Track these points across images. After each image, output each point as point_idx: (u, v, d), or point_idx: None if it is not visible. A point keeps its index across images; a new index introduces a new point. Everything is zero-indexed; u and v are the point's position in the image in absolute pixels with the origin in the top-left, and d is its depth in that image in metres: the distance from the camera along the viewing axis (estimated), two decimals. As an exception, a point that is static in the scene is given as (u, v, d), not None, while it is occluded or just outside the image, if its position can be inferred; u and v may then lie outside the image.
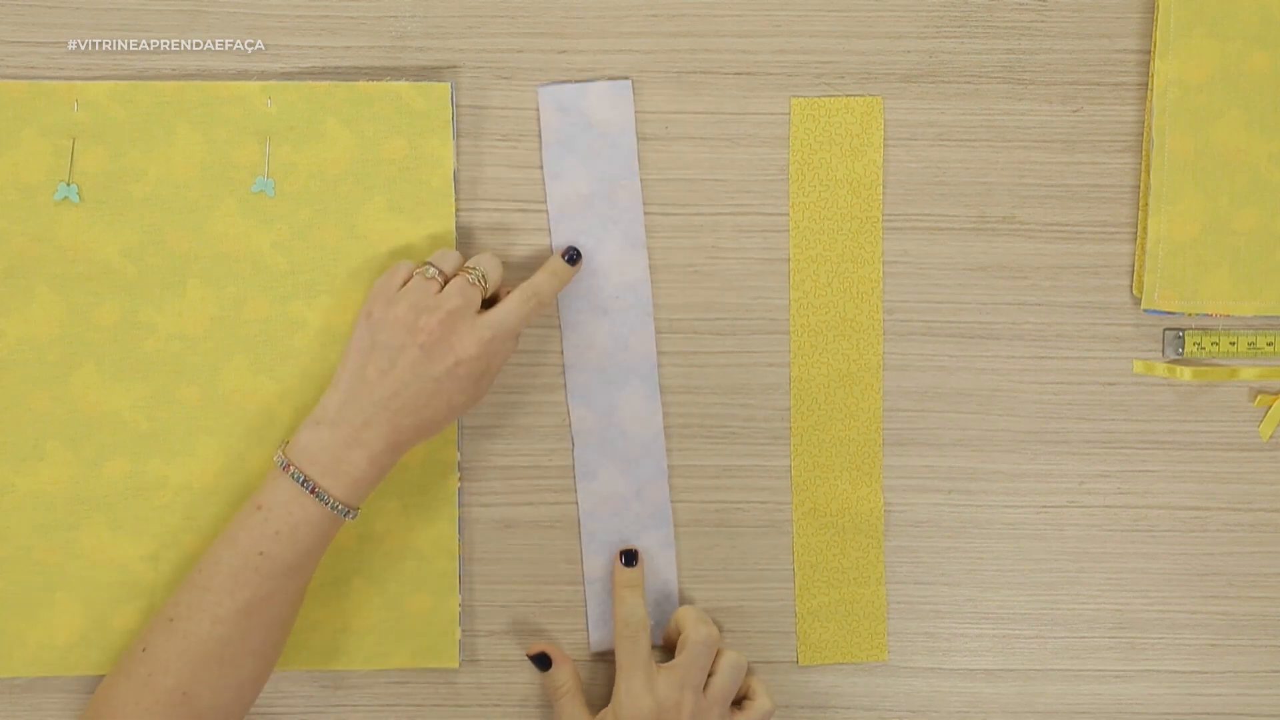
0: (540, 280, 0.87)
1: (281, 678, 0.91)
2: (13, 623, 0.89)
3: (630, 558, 0.90)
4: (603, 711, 0.87)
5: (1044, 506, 0.93)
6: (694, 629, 0.87)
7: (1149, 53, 0.92)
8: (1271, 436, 0.92)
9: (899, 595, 0.92)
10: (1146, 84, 0.92)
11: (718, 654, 0.87)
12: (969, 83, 0.92)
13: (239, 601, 0.80)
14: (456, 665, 0.91)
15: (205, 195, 0.89)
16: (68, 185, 0.89)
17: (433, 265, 0.85)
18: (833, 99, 0.91)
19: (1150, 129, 0.91)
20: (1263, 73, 0.90)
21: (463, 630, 0.91)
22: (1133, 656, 0.93)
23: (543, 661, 0.89)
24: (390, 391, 0.82)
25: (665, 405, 0.92)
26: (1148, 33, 0.92)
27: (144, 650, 0.81)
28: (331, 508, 0.81)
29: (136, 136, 0.89)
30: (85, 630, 0.89)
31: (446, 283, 0.85)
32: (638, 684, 0.85)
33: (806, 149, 0.91)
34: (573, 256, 0.89)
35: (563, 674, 0.88)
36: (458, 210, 0.91)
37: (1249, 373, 0.92)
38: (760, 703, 0.88)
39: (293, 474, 0.81)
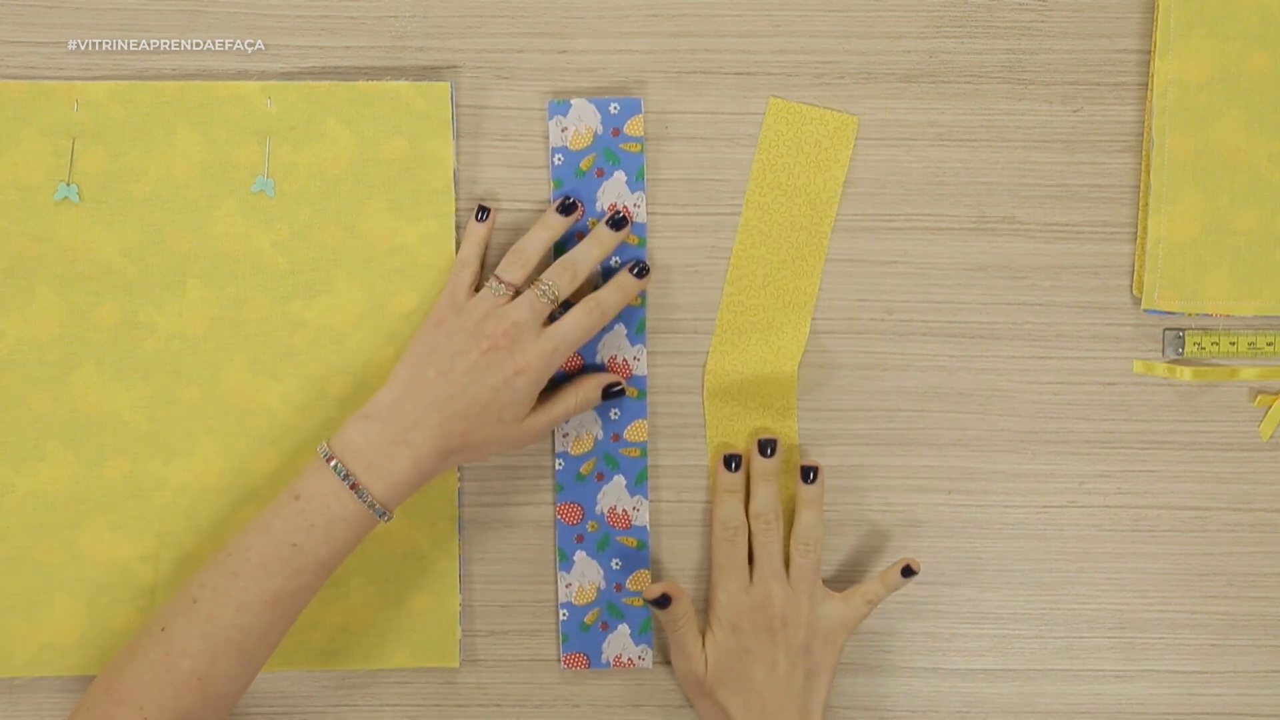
0: (605, 294, 0.87)
1: (281, 678, 0.91)
2: (13, 623, 0.89)
3: (732, 462, 0.89)
4: (708, 619, 0.88)
5: (1044, 506, 0.93)
6: (754, 519, 0.88)
7: (1149, 53, 0.92)
8: (1271, 436, 0.92)
9: (899, 595, 0.92)
10: (1146, 84, 0.92)
11: (794, 528, 0.89)
12: (969, 83, 0.92)
13: (267, 591, 0.79)
14: (457, 665, 0.91)
15: (205, 195, 0.89)
16: (68, 185, 0.89)
17: (501, 281, 0.85)
18: (809, 107, 0.91)
19: (1150, 129, 0.91)
20: (1263, 73, 0.90)
21: (463, 630, 0.91)
22: (1133, 656, 0.93)
23: (663, 601, 0.87)
24: (447, 394, 0.82)
25: (665, 405, 0.92)
26: (1148, 33, 0.92)
27: (163, 630, 0.80)
28: (369, 506, 0.80)
29: (136, 136, 0.89)
30: (85, 630, 0.89)
31: (516, 294, 0.85)
32: (735, 585, 0.88)
33: (774, 150, 0.91)
34: (641, 271, 0.88)
35: (682, 606, 0.87)
36: (458, 210, 0.91)
37: (1249, 373, 0.92)
38: (868, 587, 0.88)
39: (335, 467, 0.80)
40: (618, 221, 0.88)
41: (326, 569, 0.81)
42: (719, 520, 0.89)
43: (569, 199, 0.88)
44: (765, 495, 0.89)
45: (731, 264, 0.91)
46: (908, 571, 0.88)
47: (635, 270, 0.88)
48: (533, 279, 0.86)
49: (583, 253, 0.87)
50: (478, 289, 0.87)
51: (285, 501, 0.81)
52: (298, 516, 0.80)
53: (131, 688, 0.79)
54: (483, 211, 0.88)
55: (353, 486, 0.80)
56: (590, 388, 0.88)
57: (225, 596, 0.79)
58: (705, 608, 0.91)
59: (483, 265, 0.88)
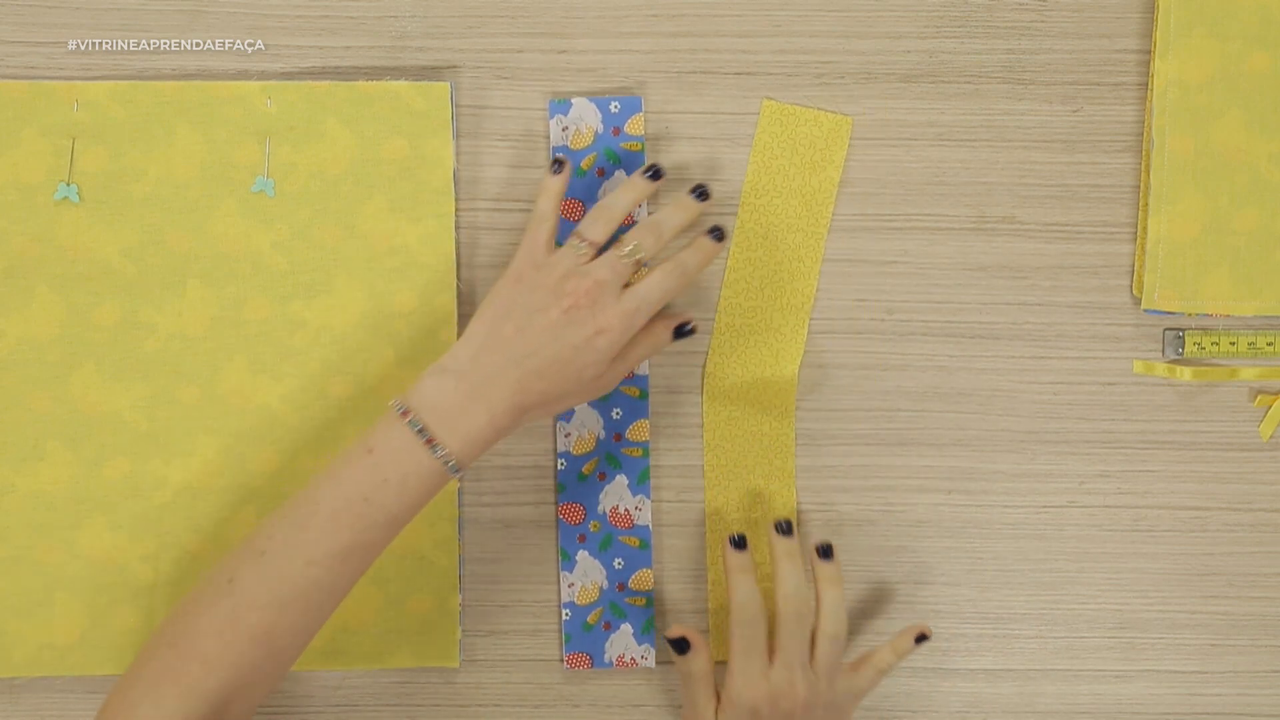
0: (686, 256, 0.85)
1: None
2: (13, 623, 0.89)
3: (739, 541, 0.88)
4: (721, 697, 0.86)
5: (1044, 506, 0.93)
6: (786, 602, 0.86)
7: (1149, 53, 0.92)
8: (1271, 436, 0.92)
9: (899, 595, 0.92)
10: (1146, 84, 0.92)
11: (818, 615, 0.87)
12: (969, 83, 0.92)
13: (338, 545, 0.78)
14: (457, 665, 0.91)
15: (205, 195, 0.89)
16: (68, 185, 0.89)
17: (584, 240, 0.83)
18: (803, 109, 0.91)
19: (1150, 129, 0.91)
20: (1263, 73, 0.90)
21: (463, 630, 0.91)
22: (1133, 656, 0.93)
23: (681, 646, 0.87)
24: (526, 350, 0.80)
25: (666, 405, 0.92)
26: (1148, 33, 0.92)
27: (229, 581, 0.77)
28: (444, 462, 0.79)
29: (136, 136, 0.89)
30: (85, 630, 0.89)
31: (597, 253, 0.84)
32: (754, 669, 0.85)
33: (768, 152, 0.91)
34: (719, 234, 0.87)
35: (700, 660, 0.86)
36: (458, 210, 0.91)
37: (1249, 373, 0.92)
38: (879, 657, 0.88)
39: (410, 421, 0.79)
40: (719, 234, 0.87)
41: (398, 523, 0.79)
42: (736, 604, 0.86)
43: (657, 166, 0.87)
44: (796, 577, 0.87)
45: (728, 266, 0.91)
46: (921, 639, 0.88)
47: (714, 233, 0.87)
48: (611, 241, 0.84)
49: (668, 216, 0.86)
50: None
51: (358, 454, 0.79)
52: (370, 470, 0.78)
53: (196, 641, 0.77)
54: (558, 164, 0.86)
55: (428, 442, 0.78)
56: (661, 330, 0.87)
57: (295, 550, 0.77)
58: (721, 680, 0.88)
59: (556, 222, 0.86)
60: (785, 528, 0.88)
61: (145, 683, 0.76)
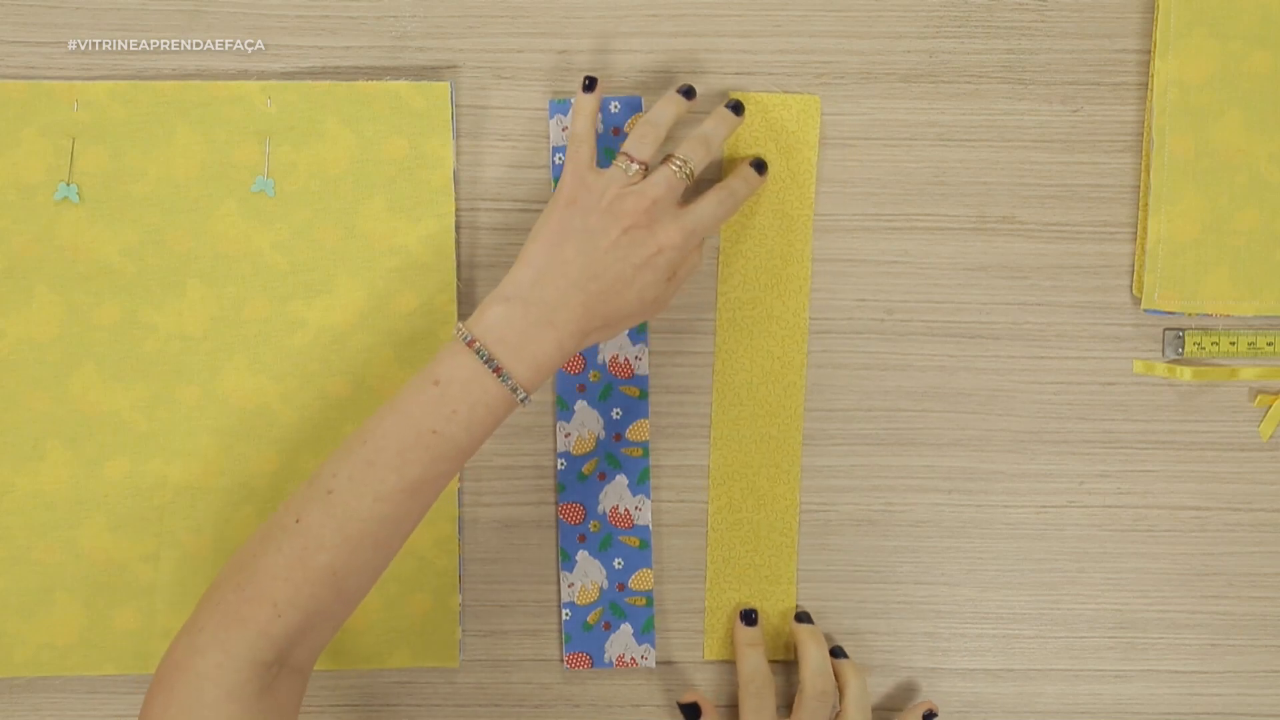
0: (736, 184, 0.86)
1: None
2: (13, 623, 0.89)
3: (750, 617, 0.90)
4: None
5: (1044, 506, 0.93)
6: (811, 680, 0.87)
7: (1149, 53, 0.92)
8: (1271, 436, 0.92)
9: (899, 595, 0.92)
10: (1146, 84, 0.92)
11: (843, 701, 0.88)
12: (969, 83, 0.92)
13: (406, 480, 0.76)
14: (457, 665, 0.91)
15: (205, 195, 0.89)
16: (68, 185, 0.89)
17: (633, 159, 0.83)
18: (770, 95, 0.91)
19: (1150, 129, 0.91)
20: (1263, 73, 0.90)
21: (463, 630, 0.91)
22: (1133, 656, 0.93)
23: (692, 712, 0.89)
24: (589, 274, 0.79)
25: (667, 404, 0.92)
26: (1148, 33, 0.92)
27: (297, 522, 0.76)
28: (512, 390, 0.78)
29: (136, 136, 0.89)
30: (85, 630, 0.89)
31: (648, 172, 0.83)
32: None
33: (742, 143, 0.91)
34: (760, 166, 0.88)
35: None
36: (458, 210, 0.91)
37: (1249, 373, 0.92)
38: None
39: (477, 350, 0.78)
40: (737, 106, 0.87)
41: (465, 454, 0.78)
42: (744, 675, 0.87)
43: (690, 85, 0.87)
44: (821, 655, 0.87)
45: (720, 263, 0.91)
46: (929, 716, 0.89)
47: (756, 165, 0.88)
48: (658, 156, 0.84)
49: (714, 129, 0.86)
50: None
51: (423, 386, 0.78)
52: (438, 402, 0.77)
53: (265, 584, 0.75)
54: (590, 81, 0.85)
55: (496, 370, 0.77)
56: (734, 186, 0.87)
57: (363, 487, 0.76)
58: None
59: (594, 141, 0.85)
60: (807, 617, 0.90)
61: (212, 628, 0.75)
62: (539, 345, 0.78)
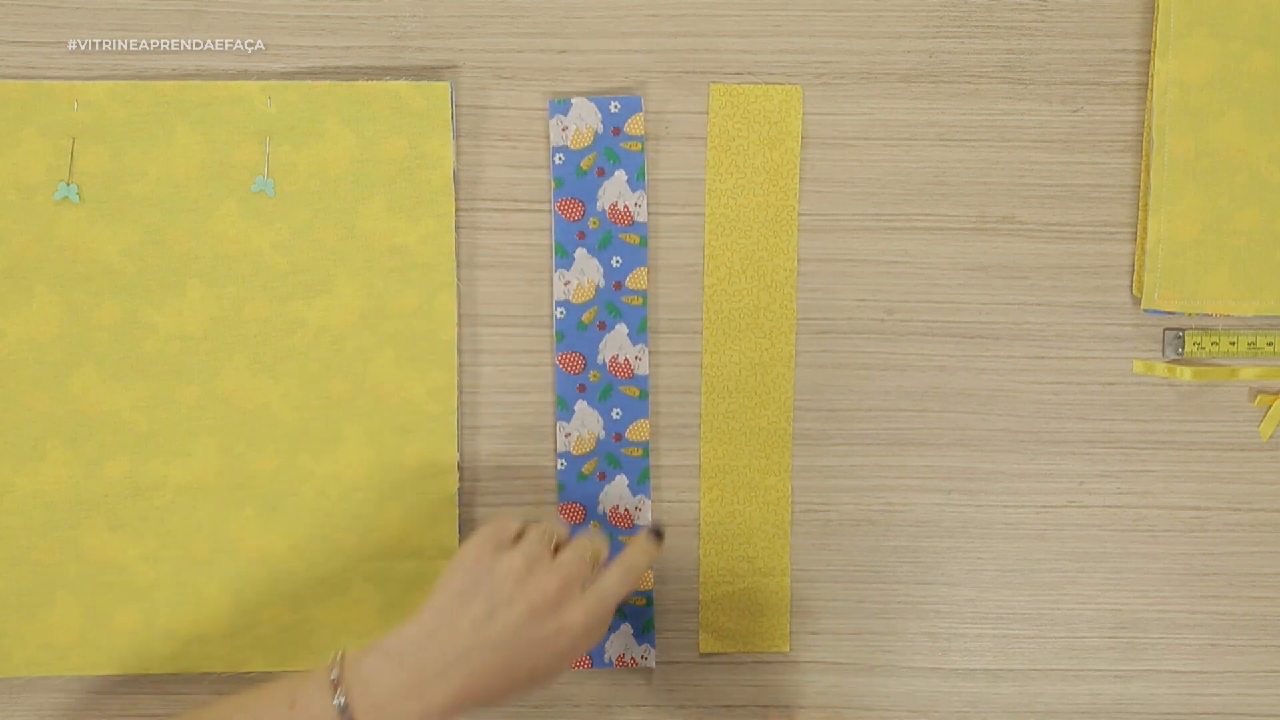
0: (634, 556, 0.84)
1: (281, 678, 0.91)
2: (13, 623, 0.89)
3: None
4: None
5: (1044, 506, 0.93)
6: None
7: (1149, 53, 0.92)
8: (1271, 436, 0.92)
9: (899, 595, 0.92)
10: (1146, 84, 0.92)
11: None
12: (969, 83, 0.92)
13: None
14: (456, 665, 0.91)
15: (205, 195, 0.89)
16: (68, 185, 0.89)
17: (548, 530, 0.82)
18: (751, 86, 0.91)
19: (1150, 129, 0.91)
20: (1263, 73, 0.90)
21: (463, 630, 0.91)
22: (1133, 656, 0.93)
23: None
24: (481, 643, 0.77)
25: (666, 405, 0.92)
26: (1148, 33, 0.92)
27: None
28: None
29: (136, 136, 0.89)
30: (85, 630, 0.89)
31: (557, 549, 0.82)
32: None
33: (725, 136, 0.91)
34: (660, 531, 0.86)
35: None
36: (458, 210, 0.91)
37: (1249, 373, 0.92)
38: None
39: (338, 695, 0.76)
40: (660, 532, 0.87)
41: None
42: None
43: (658, 526, 0.87)
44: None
45: (706, 256, 0.91)
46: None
47: (654, 532, 0.86)
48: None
49: (636, 559, 0.84)
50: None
51: (278, 703, 0.77)
52: None
53: None
54: (656, 534, 0.86)
55: None
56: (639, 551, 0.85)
57: None
58: None
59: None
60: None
61: None
62: (400, 713, 0.76)
